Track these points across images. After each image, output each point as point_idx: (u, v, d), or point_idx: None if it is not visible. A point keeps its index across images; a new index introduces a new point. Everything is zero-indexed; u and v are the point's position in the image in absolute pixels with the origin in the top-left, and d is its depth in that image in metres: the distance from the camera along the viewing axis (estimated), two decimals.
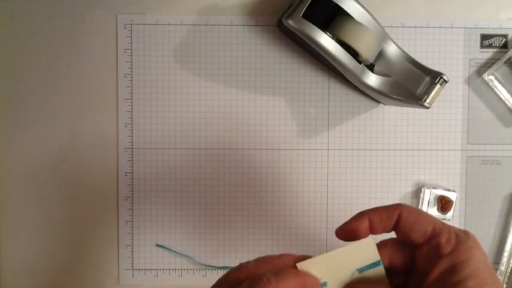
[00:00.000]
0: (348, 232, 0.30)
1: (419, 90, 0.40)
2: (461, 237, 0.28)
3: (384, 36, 0.41)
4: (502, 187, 0.49)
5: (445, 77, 0.39)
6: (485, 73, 0.47)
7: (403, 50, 0.42)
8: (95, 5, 0.47)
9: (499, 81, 0.48)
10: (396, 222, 0.29)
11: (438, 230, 0.28)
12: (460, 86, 0.48)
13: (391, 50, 0.42)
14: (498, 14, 0.48)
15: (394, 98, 0.41)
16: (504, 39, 0.48)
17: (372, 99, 0.48)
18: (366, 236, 0.30)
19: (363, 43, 0.40)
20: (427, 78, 0.40)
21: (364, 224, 0.30)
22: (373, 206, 0.50)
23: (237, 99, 0.48)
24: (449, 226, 0.29)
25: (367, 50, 0.40)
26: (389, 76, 0.42)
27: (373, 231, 0.30)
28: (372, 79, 0.42)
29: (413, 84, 0.40)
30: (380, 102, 0.48)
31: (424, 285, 0.28)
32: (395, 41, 0.42)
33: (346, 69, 0.41)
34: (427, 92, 0.40)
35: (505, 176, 0.49)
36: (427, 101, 0.39)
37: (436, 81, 0.39)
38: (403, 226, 0.29)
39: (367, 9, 0.40)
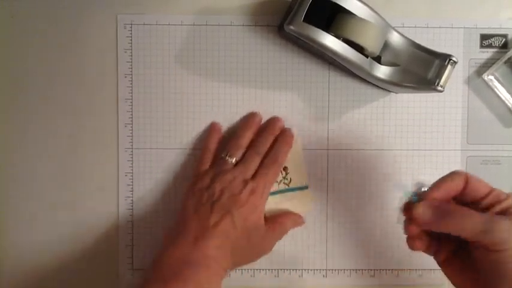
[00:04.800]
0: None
1: (430, 74, 0.40)
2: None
3: (387, 27, 0.41)
4: (502, 187, 0.48)
5: (454, 59, 0.39)
6: (485, 73, 0.47)
7: (407, 38, 0.42)
8: (95, 5, 0.47)
9: (499, 81, 0.48)
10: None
11: (493, 189, 0.37)
12: (459, 86, 0.48)
13: (396, 39, 0.42)
14: (498, 14, 0.48)
15: (406, 86, 0.41)
16: (504, 39, 0.48)
17: (378, 93, 0.48)
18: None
19: (367, 37, 0.40)
20: (437, 62, 0.40)
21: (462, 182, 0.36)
22: (374, 207, 0.50)
23: (237, 99, 0.48)
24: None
25: (372, 44, 0.40)
26: (398, 65, 0.42)
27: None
28: (381, 71, 0.42)
29: (423, 69, 0.40)
30: (391, 92, 0.47)
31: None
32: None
33: (354, 66, 0.41)
34: (439, 75, 0.39)
35: (505, 176, 0.49)
36: (440, 84, 0.39)
37: (446, 63, 0.39)
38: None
39: (366, 3, 0.40)
